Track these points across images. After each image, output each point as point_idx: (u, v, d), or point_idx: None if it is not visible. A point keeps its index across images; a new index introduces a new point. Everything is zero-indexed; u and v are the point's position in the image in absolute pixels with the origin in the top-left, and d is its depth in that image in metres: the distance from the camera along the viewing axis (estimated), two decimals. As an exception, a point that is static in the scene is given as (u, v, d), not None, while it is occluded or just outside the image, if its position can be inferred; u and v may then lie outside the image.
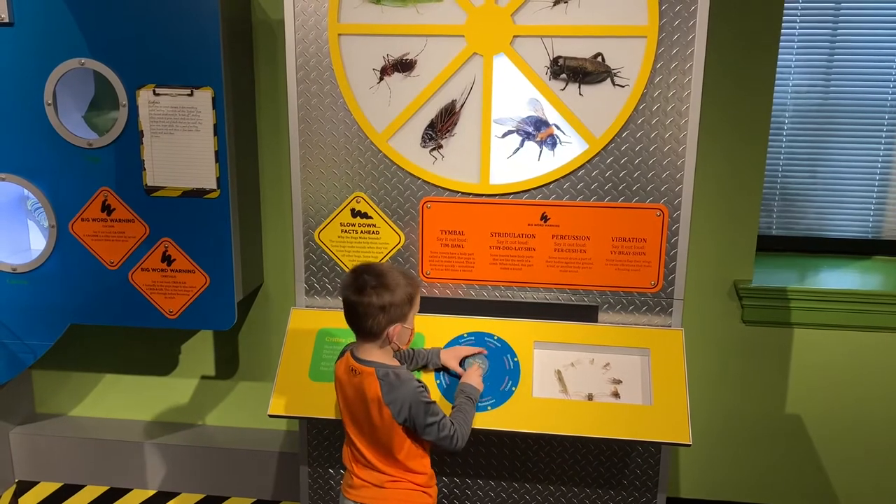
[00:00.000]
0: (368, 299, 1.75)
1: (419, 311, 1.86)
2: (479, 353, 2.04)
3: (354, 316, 1.79)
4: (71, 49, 2.28)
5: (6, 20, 2.27)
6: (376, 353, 1.81)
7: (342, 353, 1.89)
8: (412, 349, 2.02)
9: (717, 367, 2.74)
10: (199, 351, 2.90)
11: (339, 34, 2.03)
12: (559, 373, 2.04)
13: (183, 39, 2.24)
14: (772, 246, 2.94)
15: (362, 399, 1.80)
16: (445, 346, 2.07)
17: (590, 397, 1.99)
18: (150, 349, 2.90)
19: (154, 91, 2.28)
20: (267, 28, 2.58)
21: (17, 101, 2.33)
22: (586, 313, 2.11)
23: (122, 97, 2.29)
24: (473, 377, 1.96)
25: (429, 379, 2.02)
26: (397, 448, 1.81)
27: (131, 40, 2.25)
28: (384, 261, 2.15)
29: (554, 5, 1.94)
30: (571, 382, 2.02)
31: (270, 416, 2.05)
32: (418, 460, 1.85)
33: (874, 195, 2.87)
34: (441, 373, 2.03)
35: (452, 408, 1.89)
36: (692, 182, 1.99)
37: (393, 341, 1.80)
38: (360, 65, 2.04)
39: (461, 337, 2.08)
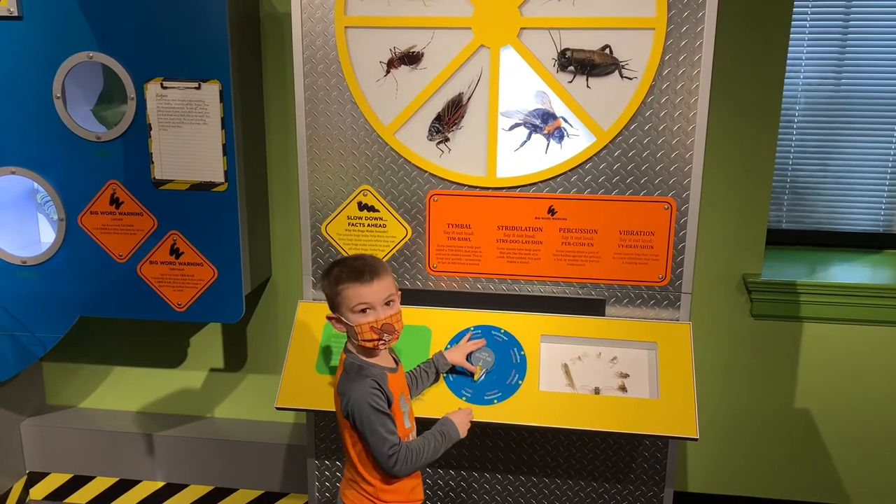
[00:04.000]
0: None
1: (412, 306, 1.86)
2: (481, 346, 2.03)
3: None
4: (79, 42, 2.28)
5: (15, 14, 2.27)
6: (351, 345, 1.80)
7: None
8: (413, 373, 1.95)
9: (726, 362, 2.73)
10: (208, 344, 2.91)
11: (346, 27, 2.03)
12: (566, 366, 2.04)
13: (190, 33, 2.24)
14: (781, 239, 2.92)
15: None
16: (448, 346, 2.05)
17: (597, 391, 1.99)
18: (159, 342, 2.92)
19: (162, 84, 2.28)
20: (274, 21, 2.57)
21: (26, 94, 2.34)
22: (593, 307, 2.10)
23: (131, 90, 2.30)
24: (459, 416, 1.84)
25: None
26: (350, 444, 1.78)
27: (139, 34, 2.26)
28: (390, 255, 2.15)
29: (561, -3, 1.93)
30: (578, 376, 2.02)
31: (278, 408, 2.05)
32: (368, 466, 1.76)
33: (885, 188, 2.84)
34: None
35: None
36: (701, 175, 1.98)
37: (351, 334, 1.77)
38: (367, 57, 2.04)
39: (467, 330, 2.08)
